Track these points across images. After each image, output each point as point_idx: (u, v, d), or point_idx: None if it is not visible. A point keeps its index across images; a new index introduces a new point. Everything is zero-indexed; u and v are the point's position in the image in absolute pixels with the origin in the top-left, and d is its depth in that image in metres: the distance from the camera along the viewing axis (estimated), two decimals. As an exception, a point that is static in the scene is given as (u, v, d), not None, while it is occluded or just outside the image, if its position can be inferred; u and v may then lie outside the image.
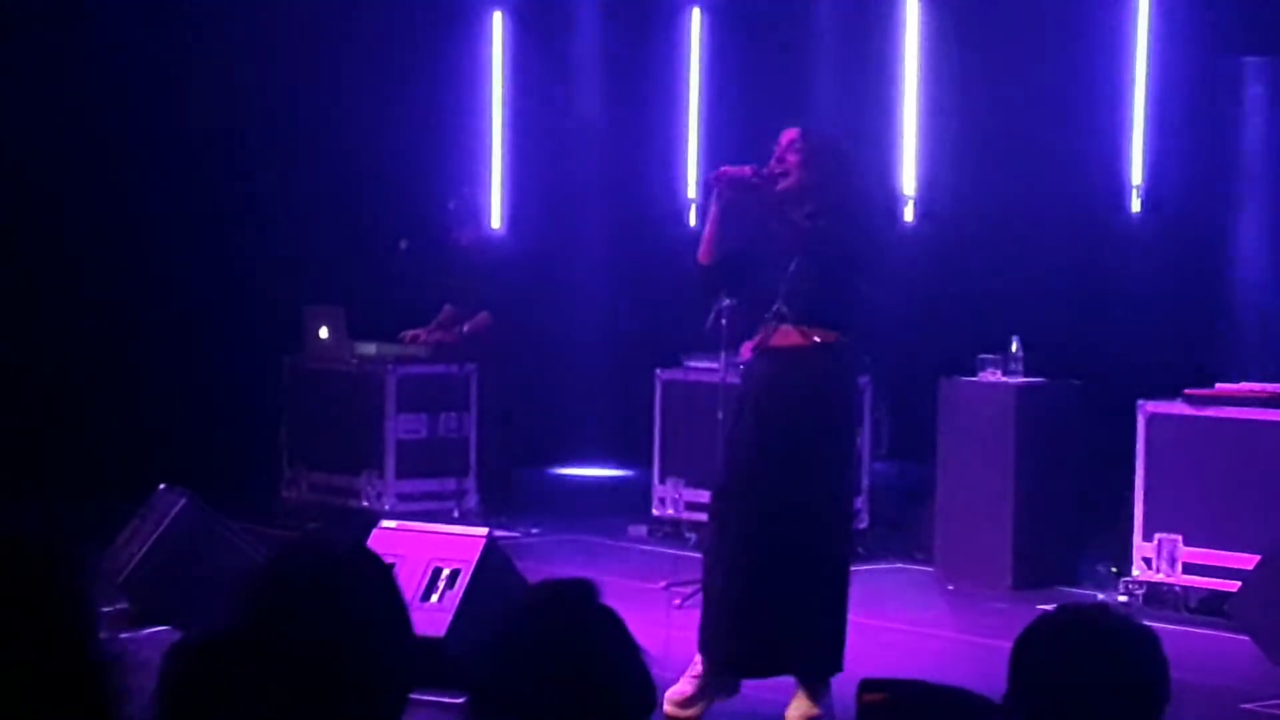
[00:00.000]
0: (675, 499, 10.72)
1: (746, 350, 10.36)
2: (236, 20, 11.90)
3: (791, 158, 6.64)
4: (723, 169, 6.78)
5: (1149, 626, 2.87)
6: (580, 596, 2.66)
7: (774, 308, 6.59)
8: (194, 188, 12.02)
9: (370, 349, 11.14)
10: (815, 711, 6.56)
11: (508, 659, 2.61)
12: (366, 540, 6.51)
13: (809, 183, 6.60)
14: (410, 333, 11.34)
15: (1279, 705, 7.22)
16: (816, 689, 6.61)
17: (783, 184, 6.64)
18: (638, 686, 2.62)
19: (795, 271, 6.55)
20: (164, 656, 2.93)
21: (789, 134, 6.74)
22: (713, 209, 6.75)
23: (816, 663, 6.60)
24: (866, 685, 2.70)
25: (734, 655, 6.66)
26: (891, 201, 7.45)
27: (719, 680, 6.71)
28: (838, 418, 6.69)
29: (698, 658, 6.76)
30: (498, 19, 13.57)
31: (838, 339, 6.61)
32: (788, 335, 6.61)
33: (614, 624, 2.64)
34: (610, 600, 2.73)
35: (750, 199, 6.70)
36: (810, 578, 6.59)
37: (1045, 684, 2.74)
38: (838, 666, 6.63)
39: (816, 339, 6.58)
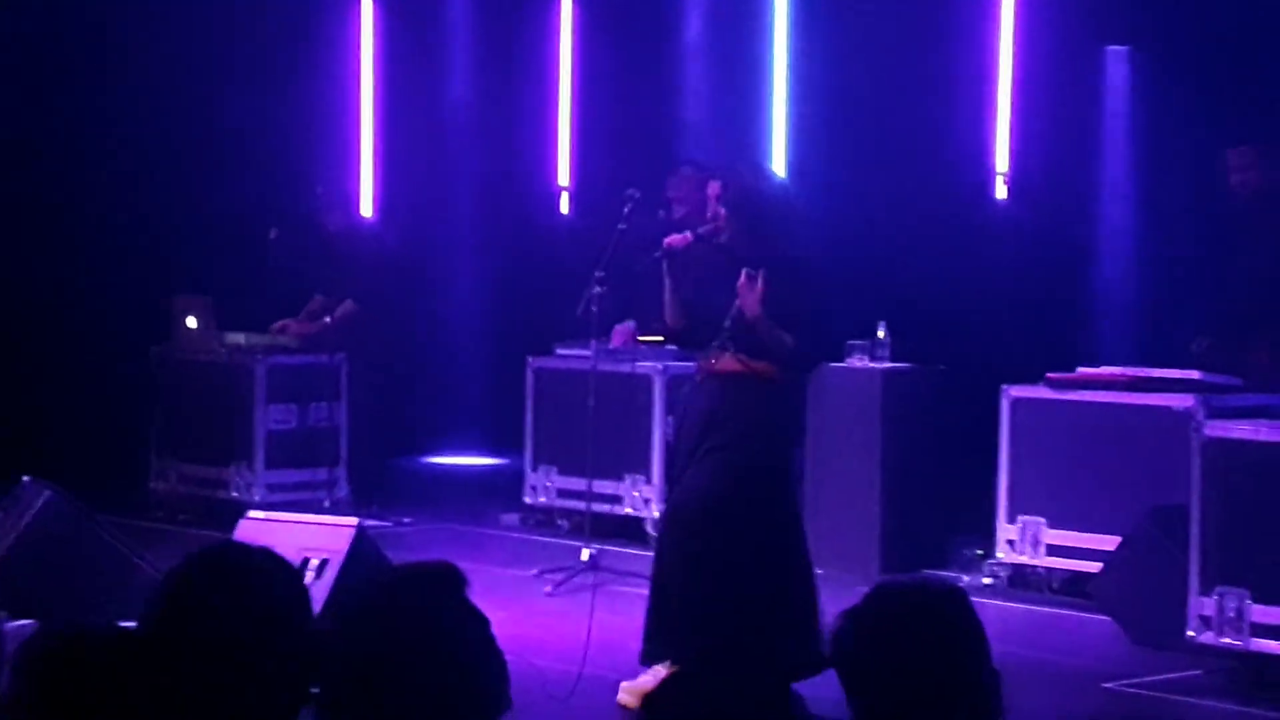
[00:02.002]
0: (547, 486, 10.73)
1: (617, 337, 10.45)
2: (103, 6, 11.77)
3: (721, 211, 7.08)
4: (669, 243, 7.17)
5: (951, 584, 2.92)
6: (441, 584, 2.65)
7: (720, 339, 6.98)
8: (58, 174, 11.87)
9: (239, 339, 11.06)
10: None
11: (361, 642, 2.60)
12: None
13: (736, 234, 7.03)
14: (280, 323, 11.26)
15: (1139, 684, 7.35)
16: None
17: (722, 237, 7.09)
18: (492, 683, 2.62)
19: (736, 313, 6.94)
20: (22, 646, 2.92)
21: (713, 187, 7.14)
22: (667, 280, 7.17)
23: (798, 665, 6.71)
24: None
25: (705, 655, 6.71)
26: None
27: None
28: (766, 438, 6.96)
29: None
30: (367, 4, 13.50)
31: (775, 373, 6.96)
32: (729, 363, 6.99)
33: (472, 616, 2.64)
34: (482, 588, 2.74)
35: (693, 254, 7.13)
36: (772, 586, 6.83)
37: (869, 677, 2.77)
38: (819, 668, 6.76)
39: (754, 368, 6.94)
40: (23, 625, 7.61)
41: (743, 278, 6.91)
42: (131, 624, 2.78)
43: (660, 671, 6.83)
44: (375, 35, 13.48)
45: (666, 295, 7.20)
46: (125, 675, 2.66)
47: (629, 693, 6.88)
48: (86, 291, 11.81)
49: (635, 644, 7.29)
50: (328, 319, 11.17)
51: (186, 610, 2.65)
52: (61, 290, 11.82)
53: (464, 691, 2.58)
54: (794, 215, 7.20)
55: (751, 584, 6.84)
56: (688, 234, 7.19)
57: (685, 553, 6.90)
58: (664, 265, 7.17)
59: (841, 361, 9.63)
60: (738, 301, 6.94)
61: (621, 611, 8.45)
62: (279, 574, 2.74)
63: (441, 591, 2.65)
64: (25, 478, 8.29)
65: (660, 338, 10.45)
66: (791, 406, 7.18)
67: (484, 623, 2.65)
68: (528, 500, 10.85)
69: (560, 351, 10.72)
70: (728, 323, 6.97)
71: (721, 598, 6.81)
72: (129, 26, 11.75)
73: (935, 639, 2.77)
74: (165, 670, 2.61)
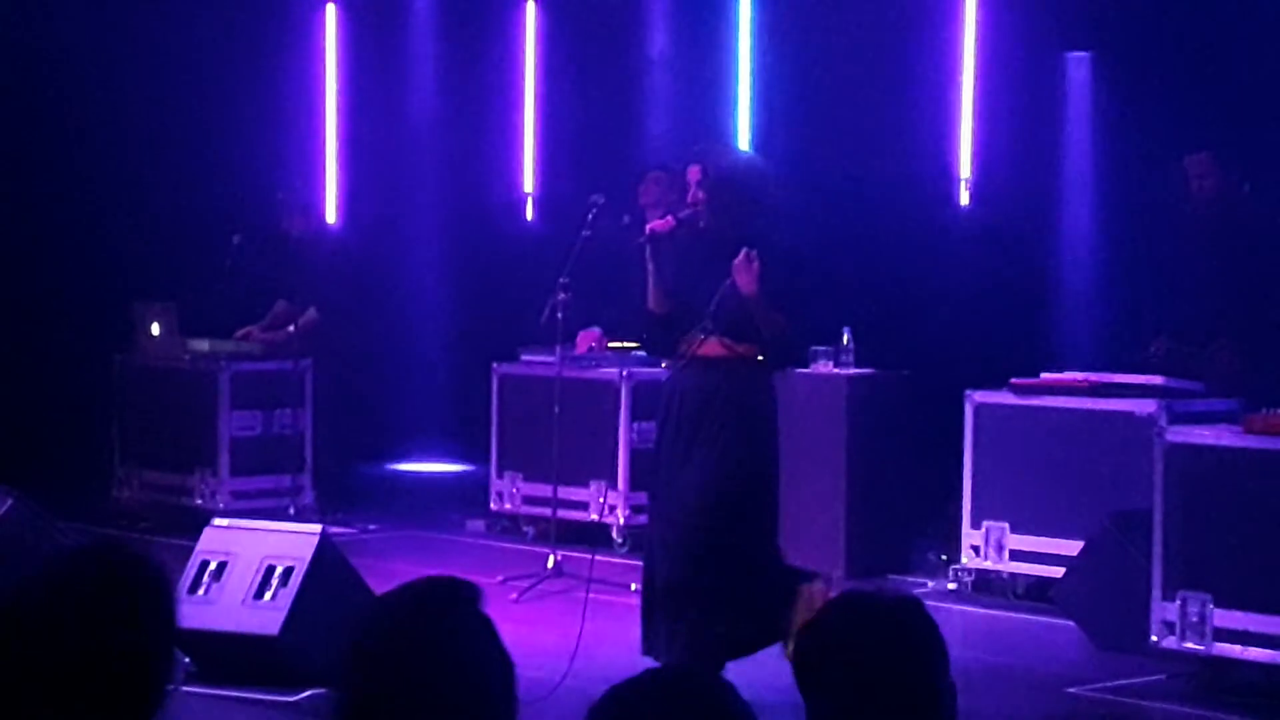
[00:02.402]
0: (513, 493, 10.73)
1: (582, 343, 10.47)
2: (65, 10, 11.73)
3: (700, 195, 7.09)
4: (652, 228, 7.21)
5: (912, 596, 2.93)
6: (453, 597, 2.65)
7: (702, 323, 7.04)
8: (20, 181, 11.83)
9: (203, 345, 11.03)
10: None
11: (368, 654, 2.60)
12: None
13: (716, 216, 7.05)
14: (243, 331, 11.24)
15: (1102, 688, 7.38)
16: None
17: (700, 222, 7.11)
18: (502, 698, 2.61)
19: (721, 297, 6.99)
20: None
21: (693, 171, 7.13)
22: (650, 266, 7.18)
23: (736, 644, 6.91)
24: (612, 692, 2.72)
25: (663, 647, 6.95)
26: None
27: None
28: (753, 419, 7.06)
29: None
30: (331, 11, 13.48)
31: (756, 355, 7.05)
32: (712, 347, 7.05)
33: (486, 631, 2.63)
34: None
35: (675, 239, 7.17)
36: (744, 575, 6.90)
37: (826, 687, 2.78)
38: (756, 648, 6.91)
39: (738, 351, 7.01)
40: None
41: (741, 256, 6.93)
42: None
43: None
44: (340, 41, 13.47)
45: (650, 281, 7.21)
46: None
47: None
48: (49, 298, 11.77)
49: (607, 649, 7.31)
50: (291, 327, 11.15)
51: (22, 616, 2.59)
52: (24, 297, 11.77)
53: (477, 703, 2.59)
54: (773, 195, 7.23)
55: (757, 570, 6.96)
56: (670, 218, 7.21)
57: (693, 548, 6.95)
58: (647, 251, 7.18)
59: (806, 367, 9.65)
60: (730, 281, 6.96)
61: (589, 617, 8.46)
62: (132, 575, 2.68)
63: (457, 604, 2.64)
64: (-13, 485, 8.26)
65: (628, 344, 10.48)
66: (773, 392, 7.25)
67: (497, 637, 2.64)
68: (493, 507, 10.84)
69: (525, 358, 10.72)
70: (712, 306, 7.00)
71: (735, 587, 6.91)
72: (91, 32, 11.72)
73: (891, 650, 2.78)
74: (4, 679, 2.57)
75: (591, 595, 8.81)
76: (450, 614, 2.62)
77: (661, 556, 7.04)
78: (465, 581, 2.68)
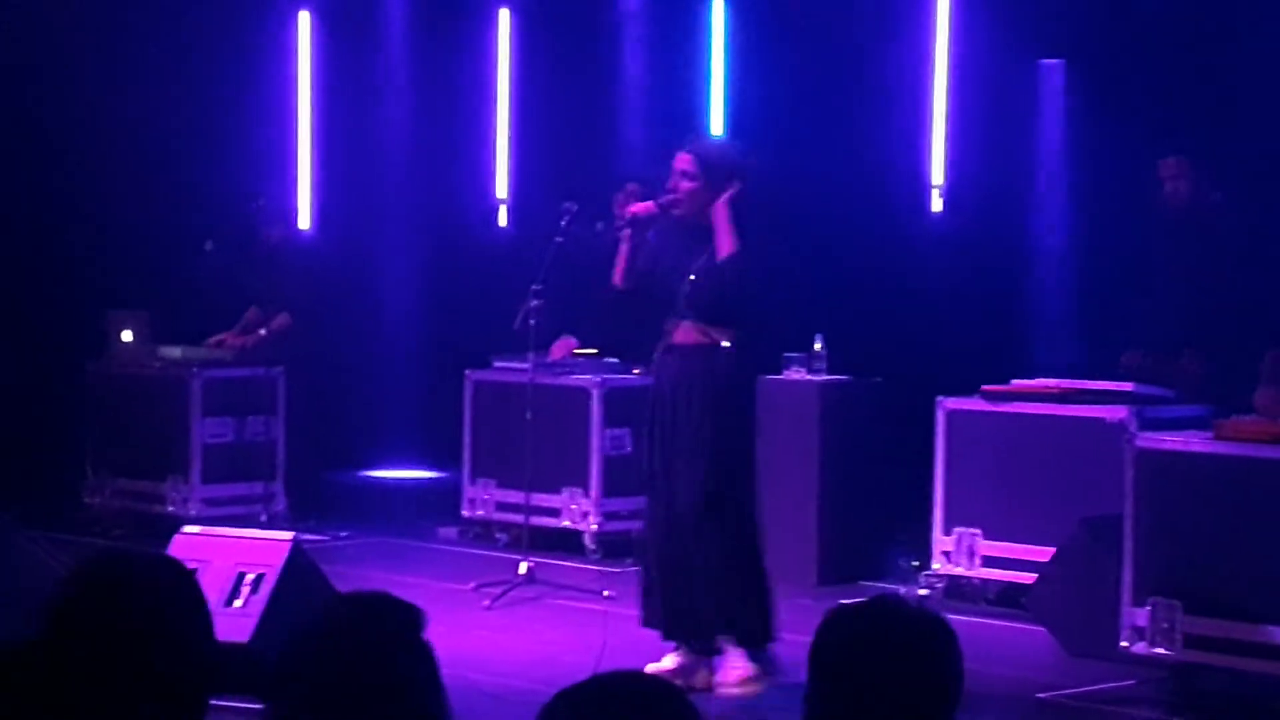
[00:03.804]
0: (486, 500, 10.71)
1: (556, 350, 10.46)
2: (35, 14, 11.69)
3: (685, 185, 7.19)
4: (633, 211, 7.36)
5: (941, 615, 2.93)
6: (397, 619, 2.63)
7: (677, 309, 7.22)
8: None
9: (175, 352, 11.01)
10: (751, 671, 7.13)
11: (307, 669, 2.59)
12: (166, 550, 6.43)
13: (703, 205, 7.16)
14: (215, 338, 11.22)
15: (1073, 694, 7.39)
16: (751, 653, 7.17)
17: (676, 212, 7.25)
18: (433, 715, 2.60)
19: (692, 285, 7.18)
20: None
21: (682, 160, 7.23)
22: (624, 246, 7.34)
23: (747, 634, 7.17)
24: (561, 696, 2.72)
25: (666, 623, 7.24)
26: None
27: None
28: (732, 407, 7.23)
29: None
30: (304, 17, 13.46)
31: (732, 338, 7.19)
32: (688, 333, 7.22)
33: (425, 657, 2.62)
34: (420, 602, 2.70)
35: (653, 225, 7.35)
36: (725, 559, 7.13)
37: (841, 676, 2.79)
38: (768, 637, 7.19)
39: (713, 337, 7.19)
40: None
41: (722, 206, 7.05)
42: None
43: (680, 653, 7.20)
44: (313, 47, 13.44)
45: (621, 258, 7.34)
46: (11, 689, 2.63)
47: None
48: (20, 306, 11.73)
49: (579, 657, 7.31)
50: (263, 331, 11.13)
51: (73, 622, 2.61)
52: (-5, 304, 11.73)
53: None
54: (755, 186, 7.36)
55: (746, 560, 7.21)
56: (651, 203, 7.33)
57: (686, 534, 7.16)
58: (626, 232, 7.32)
59: (779, 374, 9.66)
60: (701, 265, 7.12)
61: (561, 625, 8.46)
62: (172, 583, 2.68)
63: (397, 626, 2.62)
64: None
65: (593, 350, 10.48)
66: (750, 376, 7.38)
67: (435, 665, 2.63)
68: (465, 513, 10.82)
69: (498, 364, 10.71)
70: (685, 289, 7.16)
71: (741, 574, 7.17)
72: (60, 37, 11.68)
73: (912, 665, 2.79)
74: (53, 684, 2.57)
75: (565, 602, 8.83)
76: (384, 635, 2.59)
77: (662, 536, 7.24)
78: (405, 603, 2.65)
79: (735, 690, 7.13)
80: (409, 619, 2.62)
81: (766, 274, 7.27)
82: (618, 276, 7.39)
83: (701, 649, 7.25)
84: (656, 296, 7.33)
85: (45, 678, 2.57)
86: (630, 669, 2.59)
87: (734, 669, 7.17)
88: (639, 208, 7.36)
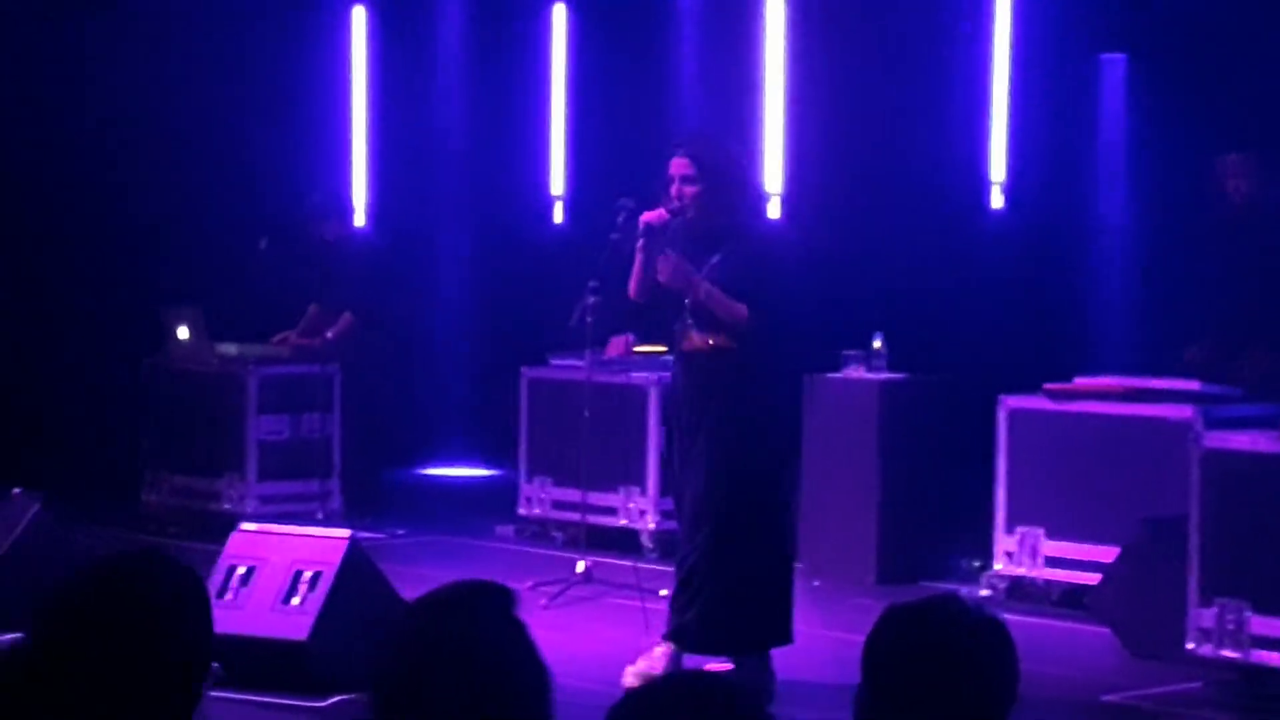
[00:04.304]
0: (542, 498, 10.67)
1: (613, 348, 10.42)
2: (93, 14, 11.72)
3: (688, 189, 7.12)
4: (645, 220, 7.26)
5: (997, 616, 2.88)
6: (487, 601, 2.64)
7: (683, 317, 7.19)
8: (50, 185, 11.82)
9: (231, 349, 11.00)
10: (655, 671, 7.02)
11: (405, 655, 2.59)
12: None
13: (705, 207, 7.11)
14: (280, 336, 11.22)
15: (1138, 696, 7.31)
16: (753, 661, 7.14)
17: (686, 217, 7.18)
18: (536, 704, 2.61)
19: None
20: None
21: (678, 165, 7.17)
22: (639, 256, 7.28)
23: (757, 638, 7.17)
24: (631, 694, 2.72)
25: (682, 634, 7.16)
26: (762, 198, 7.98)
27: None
28: (740, 414, 7.13)
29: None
30: (359, 13, 13.46)
31: (735, 345, 7.14)
32: (693, 340, 7.20)
33: (520, 635, 2.63)
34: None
35: (665, 232, 7.28)
36: (737, 562, 7.09)
37: (893, 676, 2.75)
38: (786, 638, 7.19)
39: (714, 343, 7.14)
40: (8, 639, 7.59)
41: (660, 257, 7.09)
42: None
43: (661, 652, 7.12)
44: (368, 43, 13.44)
45: (636, 269, 7.29)
46: (7, 688, 2.63)
47: (634, 675, 7.06)
48: (78, 303, 11.76)
49: (636, 657, 7.26)
50: (329, 334, 11.12)
51: (69, 621, 2.61)
52: (53, 302, 11.77)
53: (508, 707, 2.57)
54: (758, 185, 7.37)
55: (763, 567, 7.15)
56: (662, 209, 7.24)
57: (699, 541, 7.12)
58: (641, 242, 7.25)
59: (838, 371, 9.59)
60: (706, 270, 7.08)
61: (619, 624, 8.42)
62: (171, 582, 2.68)
63: (492, 606, 2.64)
64: (15, 490, 8.24)
65: (659, 348, 10.43)
66: (765, 382, 7.24)
67: (531, 641, 2.65)
68: (522, 512, 10.78)
69: (555, 362, 10.66)
70: (688, 300, 7.14)
71: (740, 581, 7.11)
72: (118, 37, 11.70)
73: (966, 664, 2.75)
74: (50, 683, 2.57)
75: (622, 601, 8.78)
76: (484, 617, 2.61)
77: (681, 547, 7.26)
78: (499, 585, 2.68)
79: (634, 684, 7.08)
80: (503, 598, 2.64)
81: (772, 283, 7.16)
82: (632, 290, 7.33)
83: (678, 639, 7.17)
84: (667, 305, 7.29)
85: (35, 675, 2.58)
86: (699, 670, 2.58)
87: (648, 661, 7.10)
88: (650, 216, 7.25)
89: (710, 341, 7.13)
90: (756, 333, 7.11)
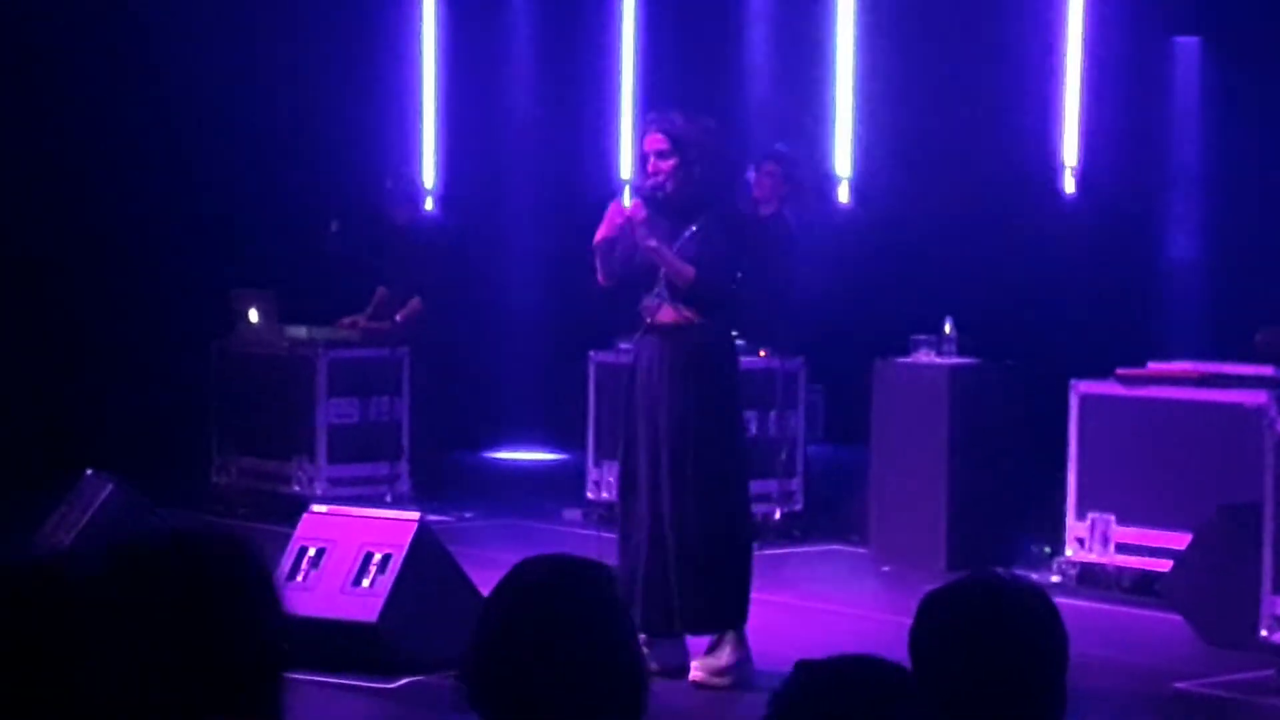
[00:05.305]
0: (610, 482, 10.64)
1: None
2: (163, 2, 11.77)
3: (664, 164, 7.16)
4: (629, 215, 7.22)
5: (1040, 588, 2.86)
6: (592, 575, 2.66)
7: (655, 290, 7.18)
8: (122, 170, 11.89)
9: (301, 332, 11.04)
10: (721, 663, 7.03)
11: (509, 630, 2.59)
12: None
13: (682, 181, 7.13)
14: (350, 319, 11.25)
15: (1211, 683, 7.24)
16: (724, 643, 7.05)
17: (665, 192, 7.18)
18: (632, 674, 2.62)
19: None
20: None
21: (653, 141, 7.21)
22: (615, 245, 7.24)
23: (717, 617, 7.09)
24: (802, 666, 2.70)
25: (643, 619, 7.03)
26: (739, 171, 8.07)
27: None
28: (713, 383, 7.18)
29: None
30: (429, -2, 13.49)
31: (705, 318, 7.16)
32: (666, 313, 7.15)
33: (619, 607, 2.65)
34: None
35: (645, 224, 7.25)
36: (702, 535, 7.06)
37: (940, 661, 2.74)
38: (740, 619, 7.10)
39: (688, 316, 7.14)
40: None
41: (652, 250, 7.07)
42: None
43: (729, 641, 7.06)
44: (438, 28, 13.47)
45: (600, 257, 7.27)
46: (72, 614, 2.62)
47: (703, 669, 7.06)
48: (149, 285, 11.83)
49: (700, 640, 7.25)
50: (398, 317, 11.15)
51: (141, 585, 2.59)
52: (124, 284, 11.84)
53: (608, 690, 2.58)
54: (731, 155, 7.52)
55: (735, 544, 7.18)
56: (637, 201, 7.27)
57: (691, 521, 7.09)
58: (637, 238, 7.19)
59: (907, 356, 9.54)
60: (679, 244, 7.09)
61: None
62: (238, 562, 2.66)
63: (596, 585, 2.65)
64: (88, 471, 8.30)
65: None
66: (731, 354, 7.32)
67: (628, 613, 2.67)
68: (590, 495, 10.78)
69: (623, 346, 10.63)
70: (661, 272, 7.15)
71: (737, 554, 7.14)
72: (192, 19, 11.75)
73: (1011, 635, 2.74)
74: (114, 623, 2.55)
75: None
76: (585, 589, 2.63)
77: (661, 529, 7.13)
78: (596, 562, 2.70)
79: (712, 679, 7.02)
80: (600, 575, 2.66)
81: (733, 254, 7.22)
82: (601, 277, 7.33)
83: (661, 629, 7.11)
84: (640, 282, 7.26)
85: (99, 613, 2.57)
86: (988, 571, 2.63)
87: (719, 657, 7.06)
88: (635, 213, 7.22)
89: (684, 315, 7.13)
90: (719, 304, 7.19)
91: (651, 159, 7.20)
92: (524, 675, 2.54)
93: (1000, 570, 3.05)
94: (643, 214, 7.16)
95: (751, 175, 10.06)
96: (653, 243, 7.10)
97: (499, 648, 2.57)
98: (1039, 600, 2.79)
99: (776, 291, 9.78)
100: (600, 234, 7.27)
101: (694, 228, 7.17)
